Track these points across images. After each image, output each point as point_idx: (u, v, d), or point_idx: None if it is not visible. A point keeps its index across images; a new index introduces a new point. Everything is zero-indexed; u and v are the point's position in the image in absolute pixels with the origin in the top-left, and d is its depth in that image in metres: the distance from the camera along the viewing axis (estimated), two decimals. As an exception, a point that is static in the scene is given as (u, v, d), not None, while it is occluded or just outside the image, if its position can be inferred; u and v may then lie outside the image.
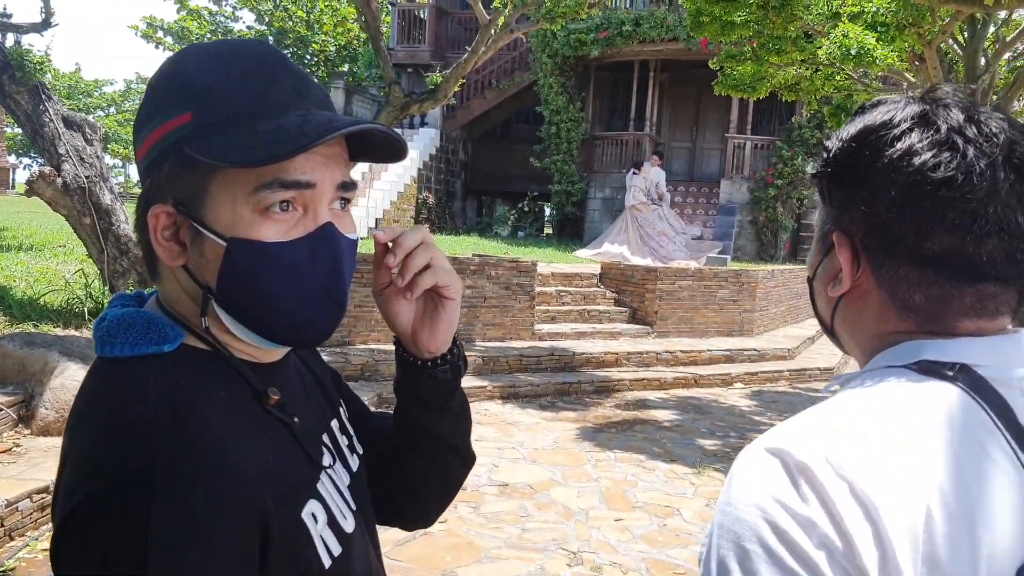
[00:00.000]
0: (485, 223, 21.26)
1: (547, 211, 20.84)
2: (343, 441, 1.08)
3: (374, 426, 1.21)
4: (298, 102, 0.89)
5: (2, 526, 4.09)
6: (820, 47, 6.17)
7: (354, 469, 1.07)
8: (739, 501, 0.80)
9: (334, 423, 1.09)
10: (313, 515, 0.91)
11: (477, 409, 7.89)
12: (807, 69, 7.47)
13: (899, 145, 0.86)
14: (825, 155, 0.95)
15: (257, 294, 0.88)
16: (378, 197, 16.19)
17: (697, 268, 12.77)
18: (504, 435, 7.10)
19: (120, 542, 0.74)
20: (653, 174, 16.18)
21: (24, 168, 38.88)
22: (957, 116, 0.87)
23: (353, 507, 1.01)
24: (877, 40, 5.30)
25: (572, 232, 19.30)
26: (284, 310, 0.89)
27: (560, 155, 19.14)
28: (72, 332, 6.54)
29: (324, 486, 0.95)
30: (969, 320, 0.88)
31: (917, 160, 0.85)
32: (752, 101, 13.46)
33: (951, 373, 0.84)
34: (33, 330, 6.36)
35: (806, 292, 1.09)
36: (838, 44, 5.45)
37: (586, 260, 14.49)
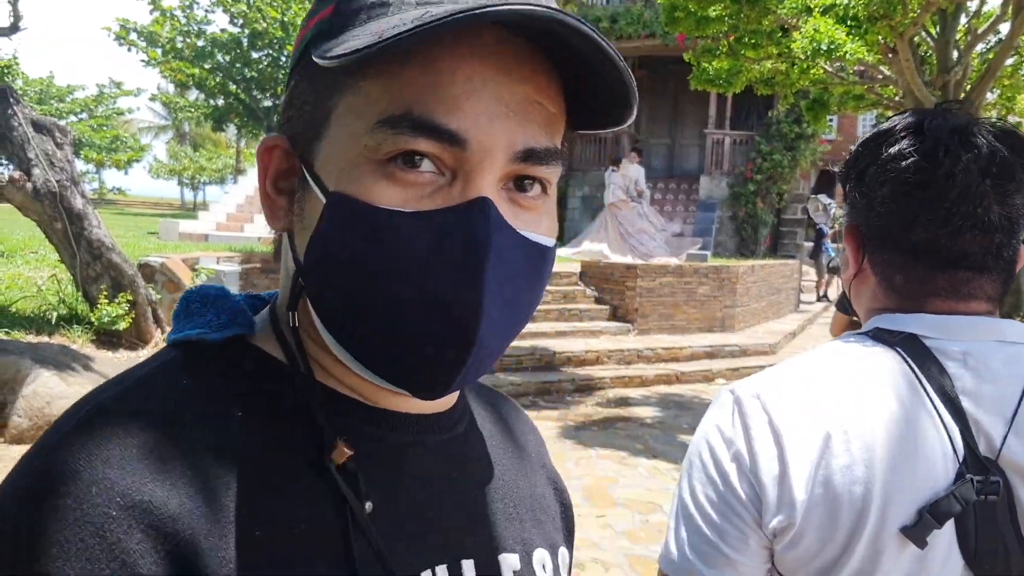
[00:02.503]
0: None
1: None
2: None
3: None
4: None
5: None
6: (795, 41, 6.19)
7: None
8: (699, 427, 1.04)
9: (508, 558, 0.69)
10: None
11: (458, 409, 7.86)
12: (783, 63, 7.48)
13: (891, 150, 1.02)
14: (847, 158, 1.11)
15: (350, 286, 0.58)
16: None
17: (677, 264, 12.79)
18: (485, 435, 7.06)
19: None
20: (632, 171, 16.20)
21: (-4, 174, 38.60)
22: (946, 128, 0.99)
23: None
24: (847, 34, 5.33)
25: (552, 231, 19.29)
26: (386, 325, 0.58)
27: (538, 154, 19.12)
28: (45, 339, 6.47)
29: None
30: (941, 301, 1.01)
31: (902, 163, 1.00)
32: (730, 96, 13.54)
33: (894, 340, 0.99)
34: (4, 337, 6.27)
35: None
36: (809, 39, 5.47)
37: (566, 259, 14.50)
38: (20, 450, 5.03)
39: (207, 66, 26.91)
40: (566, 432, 7.26)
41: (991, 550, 0.91)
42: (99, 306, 6.84)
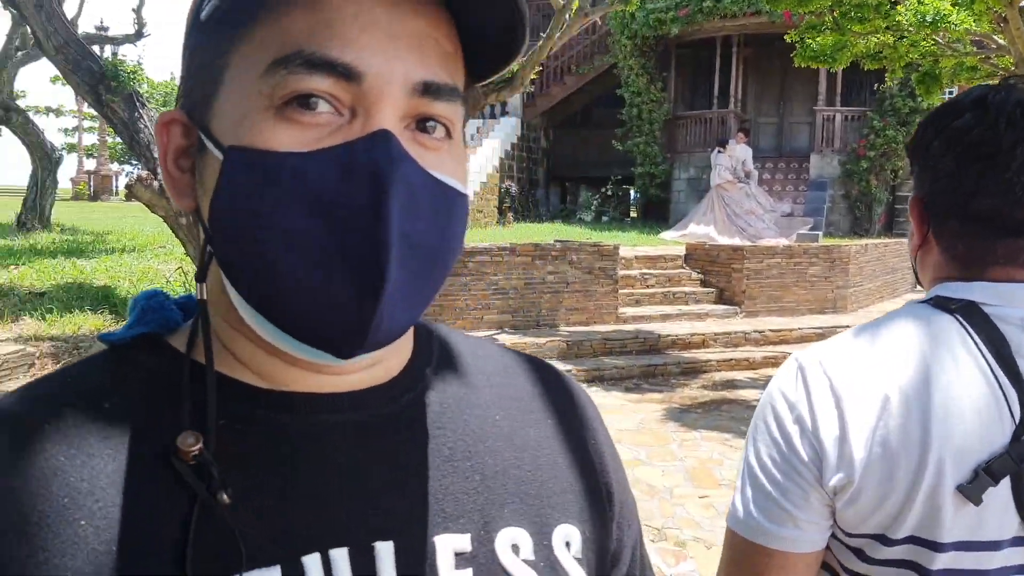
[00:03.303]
0: (569, 210, 21.27)
1: (632, 194, 20.73)
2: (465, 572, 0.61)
3: None
4: None
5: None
6: (900, 14, 6.00)
7: None
8: (765, 392, 1.08)
9: (448, 539, 0.62)
10: None
11: (562, 393, 7.97)
12: (891, 36, 7.25)
13: (956, 123, 1.05)
14: (914, 132, 1.15)
15: (253, 239, 0.55)
16: (461, 189, 16.41)
17: (787, 245, 12.53)
18: (589, 417, 7.15)
19: None
20: (739, 151, 15.91)
21: (126, 175, 40.86)
22: (1010, 101, 1.02)
23: None
24: (954, 4, 5.13)
25: (657, 214, 19.12)
26: (293, 272, 0.54)
27: (642, 137, 18.96)
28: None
29: None
30: (1001, 268, 1.04)
31: (966, 137, 1.03)
32: (840, 72, 13.11)
33: (953, 307, 1.02)
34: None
35: (903, 266, 1.29)
36: (913, 11, 5.30)
37: (671, 242, 14.38)
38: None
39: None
40: (670, 414, 7.27)
41: None
42: (222, 296, 7.24)
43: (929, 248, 1.12)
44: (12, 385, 5.38)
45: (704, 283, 11.80)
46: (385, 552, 0.59)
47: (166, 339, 0.64)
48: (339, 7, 0.55)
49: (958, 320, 1.01)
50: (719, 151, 15.86)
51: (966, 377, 0.97)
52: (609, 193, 20.64)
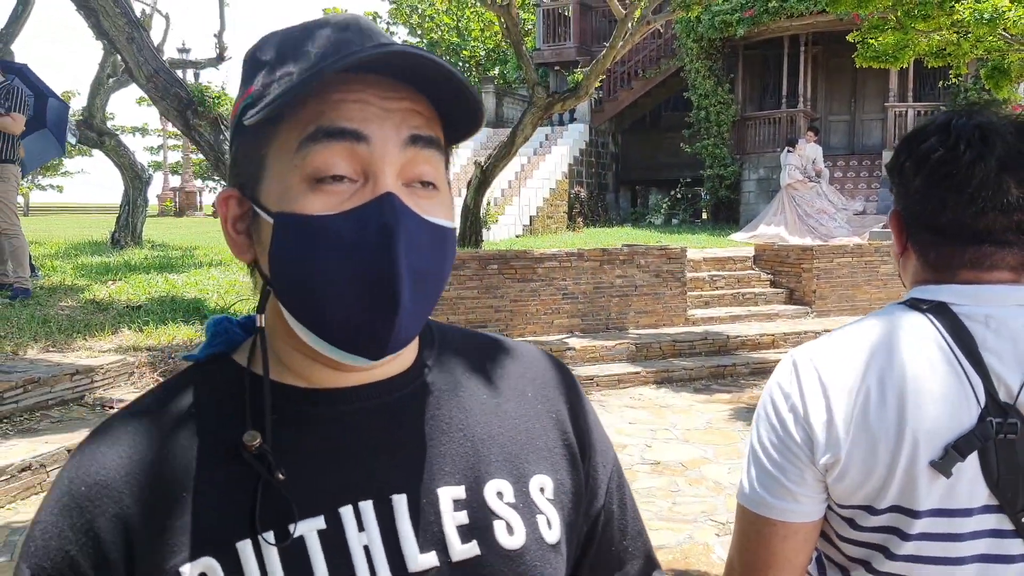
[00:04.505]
0: (639, 213, 21.28)
1: (702, 196, 20.69)
2: (454, 520, 0.80)
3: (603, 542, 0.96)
4: (353, 44, 0.76)
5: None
6: (957, 13, 6.03)
7: (459, 556, 0.79)
8: (767, 384, 1.23)
9: (448, 490, 0.81)
10: (203, 575, 0.73)
11: (631, 394, 8.14)
12: (954, 33, 7.25)
13: (923, 147, 1.19)
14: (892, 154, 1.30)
15: (300, 283, 0.75)
16: (530, 195, 16.62)
17: (857, 244, 12.43)
18: (657, 417, 7.30)
19: None
20: (809, 150, 15.81)
21: (209, 191, 42.13)
22: (969, 126, 1.17)
23: None
24: (1011, 1, 5.17)
25: (727, 216, 19.09)
26: (334, 302, 0.74)
27: (711, 139, 18.96)
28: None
29: (251, 550, 0.74)
30: (968, 272, 1.18)
31: (932, 159, 1.17)
32: (911, 66, 12.94)
33: (925, 308, 1.17)
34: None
35: None
36: (970, 9, 5.35)
37: (741, 243, 14.37)
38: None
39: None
40: (738, 414, 7.36)
41: (1011, 480, 1.08)
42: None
43: (908, 255, 1.26)
44: (116, 392, 5.82)
45: (774, 283, 11.82)
46: (400, 502, 0.79)
47: (232, 356, 0.85)
48: (343, 96, 0.74)
49: (930, 319, 1.15)
50: (789, 151, 15.79)
51: (936, 368, 1.11)
52: (679, 196, 20.63)
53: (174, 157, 40.76)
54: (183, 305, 7.91)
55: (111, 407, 5.41)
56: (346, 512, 0.77)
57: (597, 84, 10.31)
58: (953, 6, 6.88)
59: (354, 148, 0.73)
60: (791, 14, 17.26)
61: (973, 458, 1.08)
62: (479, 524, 0.81)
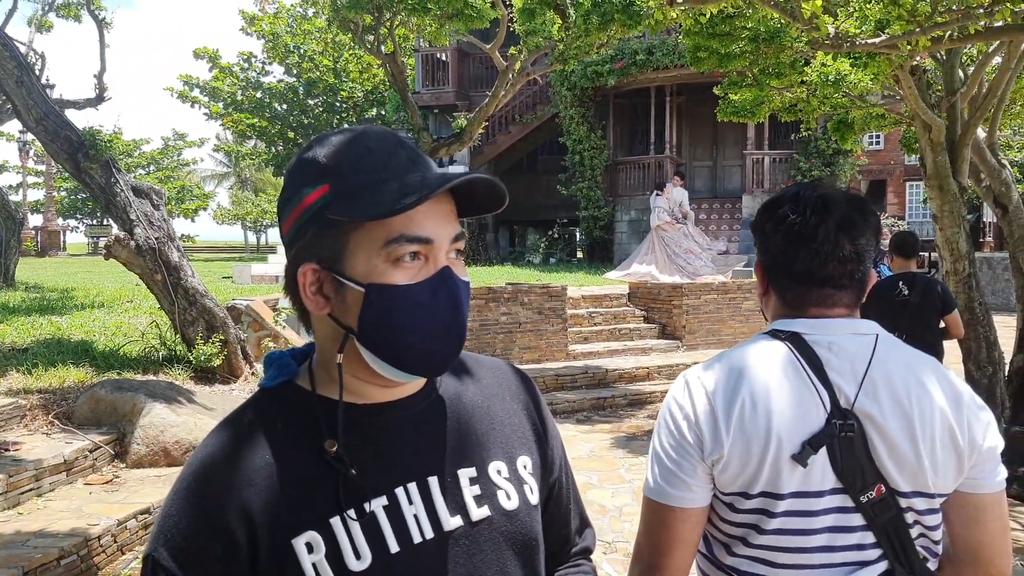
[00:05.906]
0: (518, 252, 21.76)
1: (578, 236, 21.30)
2: (471, 492, 1.11)
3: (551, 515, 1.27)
4: (413, 167, 1.03)
5: (115, 542, 4.78)
6: (805, 75, 6.76)
7: (476, 517, 1.10)
8: (666, 397, 1.46)
9: (465, 471, 1.12)
10: (308, 544, 0.99)
11: (519, 426, 8.42)
12: (804, 91, 7.98)
13: (779, 212, 1.46)
14: (755, 217, 1.55)
15: (391, 330, 1.01)
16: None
17: (723, 282, 13.17)
18: (544, 447, 7.60)
19: None
20: (676, 194, 16.52)
21: (71, 230, 40.18)
22: (813, 196, 1.43)
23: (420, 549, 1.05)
24: (851, 66, 5.91)
25: (602, 255, 19.81)
26: (414, 343, 1.01)
27: (585, 182, 19.71)
28: (151, 377, 7.23)
29: (340, 523, 1.01)
30: (815, 308, 1.46)
31: (786, 221, 1.44)
32: (767, 118, 13.96)
33: (783, 336, 1.44)
34: (118, 377, 7.07)
35: None
36: (817, 72, 6.07)
37: (616, 281, 14.94)
38: (141, 473, 5.74)
39: (266, 115, 27.63)
40: (619, 443, 7.80)
41: (851, 468, 1.33)
42: (196, 346, 7.58)
43: (769, 296, 1.54)
44: (10, 435, 5.71)
45: (647, 319, 12.43)
46: (434, 482, 1.08)
47: (296, 382, 1.10)
48: (414, 212, 1.00)
49: (787, 345, 1.41)
50: (657, 194, 16.48)
51: (793, 383, 1.37)
52: (556, 235, 21.26)
53: (35, 195, 38.92)
54: (70, 347, 7.72)
55: (6, 449, 5.35)
56: (400, 492, 1.06)
57: (480, 129, 10.72)
58: (803, 68, 7.60)
59: (423, 245, 1.02)
60: (657, 67, 18.25)
61: (823, 451, 1.33)
62: (487, 493, 1.12)
